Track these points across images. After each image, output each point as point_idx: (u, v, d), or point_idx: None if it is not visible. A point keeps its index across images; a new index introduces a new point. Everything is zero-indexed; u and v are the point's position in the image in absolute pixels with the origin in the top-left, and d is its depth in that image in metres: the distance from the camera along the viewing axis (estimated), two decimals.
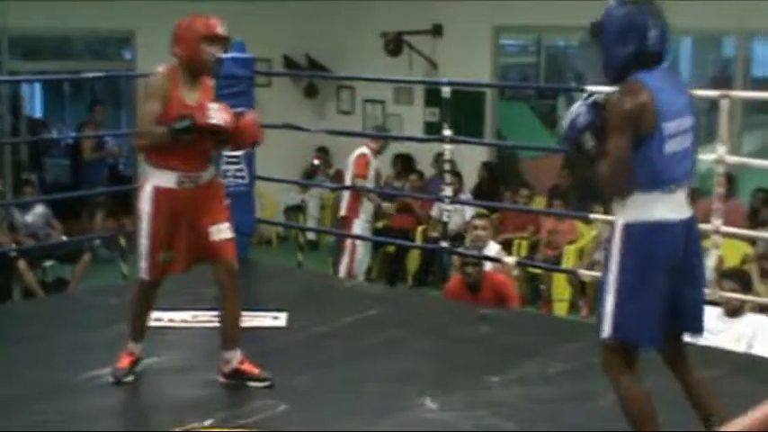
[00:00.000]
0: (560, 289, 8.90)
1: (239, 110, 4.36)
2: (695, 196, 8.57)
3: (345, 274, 8.23)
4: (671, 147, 3.24)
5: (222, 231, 4.25)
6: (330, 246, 10.62)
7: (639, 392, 3.32)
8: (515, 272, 7.30)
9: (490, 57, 10.73)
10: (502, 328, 5.46)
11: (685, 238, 3.31)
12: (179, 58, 4.13)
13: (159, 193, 4.17)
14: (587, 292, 8.93)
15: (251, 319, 5.37)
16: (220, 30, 4.15)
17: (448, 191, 6.26)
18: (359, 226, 8.47)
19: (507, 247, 9.17)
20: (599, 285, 3.39)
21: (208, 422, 4.00)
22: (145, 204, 4.20)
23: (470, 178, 10.36)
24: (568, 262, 8.89)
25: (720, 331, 5.59)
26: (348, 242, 8.33)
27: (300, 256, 9.21)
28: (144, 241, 4.24)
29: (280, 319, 5.36)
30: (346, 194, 8.52)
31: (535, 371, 4.67)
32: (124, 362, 4.40)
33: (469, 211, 9.52)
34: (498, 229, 9.70)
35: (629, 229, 3.25)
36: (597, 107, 3.32)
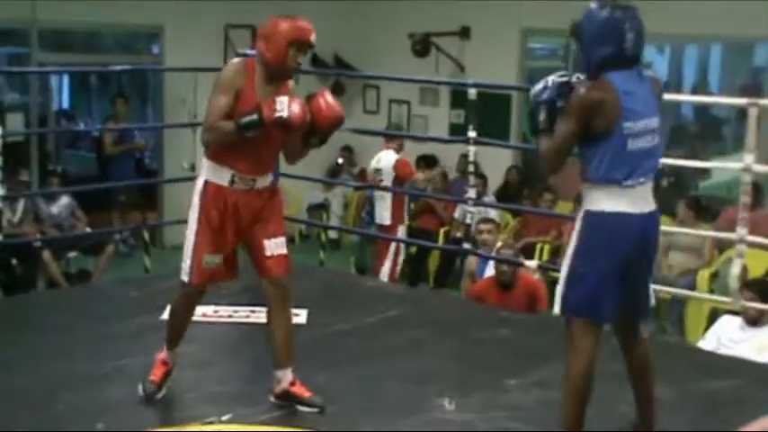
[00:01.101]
0: None
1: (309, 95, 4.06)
2: (719, 205, 8.63)
3: (388, 278, 8.10)
4: (634, 144, 3.41)
5: (279, 247, 4.05)
6: (353, 245, 10.62)
7: (585, 370, 3.50)
8: (537, 275, 7.29)
9: (517, 60, 10.71)
10: (522, 330, 5.45)
11: (643, 231, 3.50)
12: (262, 57, 3.94)
13: (210, 188, 3.99)
14: None
15: None
16: (312, 38, 3.96)
17: (471, 192, 6.25)
18: (402, 231, 8.34)
19: (530, 250, 9.15)
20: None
21: (226, 417, 4.02)
22: (195, 197, 4.03)
23: (494, 181, 10.35)
24: None
25: (742, 340, 5.57)
26: (392, 247, 8.21)
27: (322, 255, 9.21)
28: (190, 240, 4.03)
29: (300, 317, 5.37)
30: (387, 201, 8.19)
31: (554, 374, 4.64)
32: (157, 373, 4.19)
33: (492, 214, 9.51)
34: (521, 233, 9.68)
35: (589, 217, 3.48)
36: (566, 88, 3.50)
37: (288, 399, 4.11)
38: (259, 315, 5.38)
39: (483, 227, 7.62)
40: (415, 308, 5.85)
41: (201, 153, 4.07)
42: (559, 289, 3.55)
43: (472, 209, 6.33)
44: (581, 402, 3.53)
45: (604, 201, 3.45)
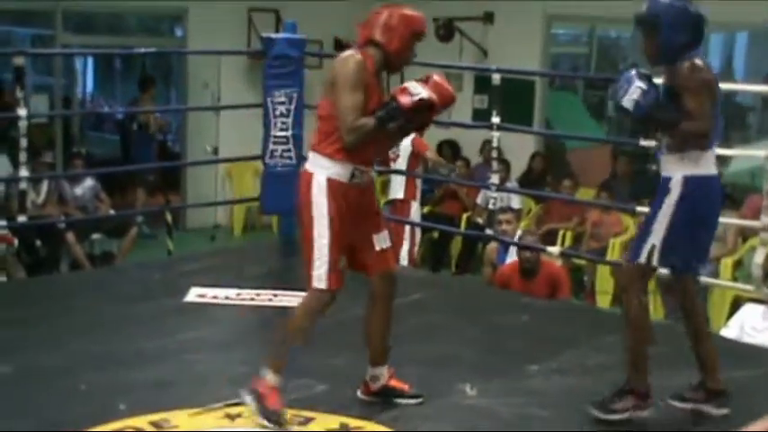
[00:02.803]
0: (604, 281, 8.84)
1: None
2: (743, 193, 8.57)
3: (408, 261, 8.07)
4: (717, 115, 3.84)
5: (386, 240, 3.96)
6: None
7: (644, 310, 3.90)
8: (559, 262, 7.27)
9: (541, 46, 10.66)
10: (543, 317, 5.45)
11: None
12: (383, 48, 3.82)
13: (332, 184, 3.78)
14: None
15: (294, 299, 5.40)
16: (426, 27, 3.97)
17: (495, 178, 6.24)
18: (415, 209, 8.37)
19: (552, 237, 9.13)
20: (643, 225, 3.95)
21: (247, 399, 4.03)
22: (320, 197, 3.77)
23: (517, 167, 10.32)
24: (613, 254, 8.83)
25: (765, 329, 5.55)
26: (408, 227, 8.22)
27: None
28: (321, 241, 3.77)
29: None
30: (400, 177, 8.31)
31: (574, 361, 4.66)
32: (275, 400, 3.82)
33: (515, 200, 9.49)
34: (543, 219, 9.66)
35: (688, 180, 3.78)
36: (653, 83, 3.77)
37: (388, 394, 4.07)
38: (282, 299, 5.42)
39: (502, 217, 7.61)
40: (436, 293, 5.85)
41: (310, 147, 3.93)
42: (654, 240, 3.83)
43: (495, 194, 6.33)
44: (646, 338, 3.88)
45: (705, 164, 3.82)
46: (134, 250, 8.98)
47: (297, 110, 6.48)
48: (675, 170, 3.82)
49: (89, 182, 8.99)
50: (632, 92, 3.75)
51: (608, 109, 11.84)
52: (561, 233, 9.42)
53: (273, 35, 6.88)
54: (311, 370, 4.23)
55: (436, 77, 3.90)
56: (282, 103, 6.46)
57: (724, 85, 4.08)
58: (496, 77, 6.00)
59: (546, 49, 10.76)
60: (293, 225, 7.16)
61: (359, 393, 4.11)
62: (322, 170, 3.80)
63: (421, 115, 3.82)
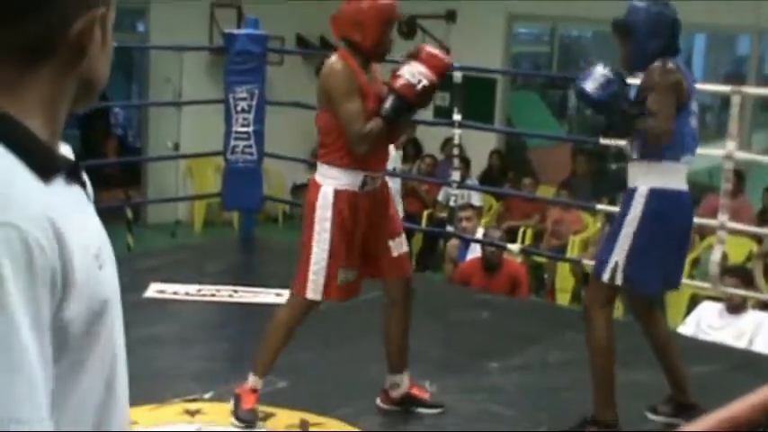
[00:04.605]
0: (564, 279, 8.91)
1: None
2: (700, 192, 8.67)
3: None
4: (692, 123, 3.74)
5: (402, 245, 3.88)
6: None
7: (609, 331, 3.77)
8: (519, 259, 7.32)
9: (503, 44, 10.71)
10: (504, 314, 5.48)
11: (690, 206, 3.86)
12: (358, 45, 3.70)
13: (341, 196, 3.69)
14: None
15: (254, 296, 5.41)
16: (398, 10, 3.80)
17: (455, 176, 6.27)
18: None
19: (512, 234, 9.17)
20: (608, 239, 3.84)
21: (209, 395, 4.03)
22: (323, 210, 3.68)
23: (478, 165, 10.36)
24: (573, 252, 8.89)
25: (722, 327, 5.61)
26: None
27: None
28: (320, 254, 3.70)
29: (283, 297, 5.37)
30: None
31: (535, 358, 4.69)
32: (250, 401, 3.82)
33: (476, 197, 9.53)
34: (503, 217, 9.71)
35: (650, 194, 3.66)
36: (621, 77, 3.71)
37: (409, 402, 4.01)
38: (242, 295, 5.41)
39: (463, 214, 7.65)
40: None
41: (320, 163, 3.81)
42: (616, 258, 3.71)
43: (456, 191, 6.36)
44: (611, 363, 3.77)
45: (670, 177, 3.70)
46: None
47: (258, 106, 6.47)
48: (641, 181, 3.69)
49: None
50: (596, 78, 3.67)
51: (569, 108, 11.93)
52: (522, 231, 9.47)
53: (235, 31, 6.86)
54: (273, 366, 4.22)
55: (428, 49, 3.79)
56: (244, 99, 6.44)
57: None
58: (458, 75, 6.01)
59: (508, 47, 10.81)
60: (254, 221, 7.17)
61: (378, 402, 4.02)
62: (331, 181, 3.72)
63: (426, 98, 3.74)
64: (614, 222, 3.82)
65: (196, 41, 10.07)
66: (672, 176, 3.70)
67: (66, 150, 1.13)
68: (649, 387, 4.13)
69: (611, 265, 3.71)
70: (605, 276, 3.73)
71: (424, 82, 3.62)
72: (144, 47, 10.51)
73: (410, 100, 3.63)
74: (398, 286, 3.88)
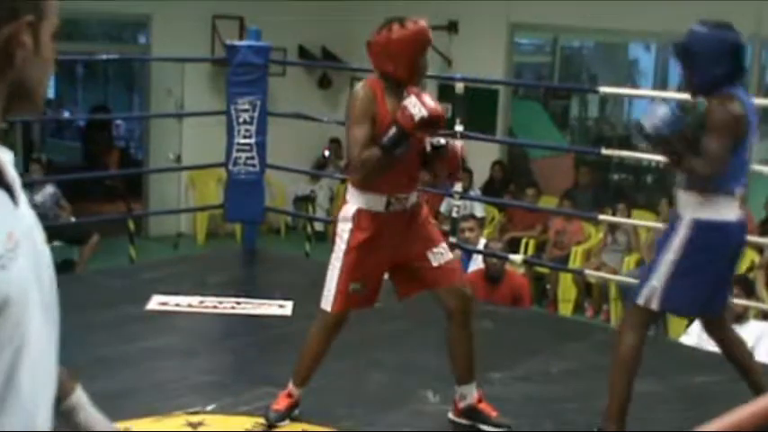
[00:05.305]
0: (566, 289, 8.91)
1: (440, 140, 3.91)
2: None
3: None
4: (746, 155, 3.67)
5: (443, 254, 3.85)
6: None
7: (636, 351, 3.76)
8: (521, 270, 7.32)
9: (505, 55, 10.72)
10: (506, 324, 5.47)
11: (743, 237, 3.80)
12: (391, 75, 3.69)
13: (363, 216, 3.73)
14: (593, 294, 8.93)
15: (256, 307, 5.41)
16: (429, 35, 3.78)
17: (458, 186, 6.27)
18: None
19: (515, 245, 9.17)
20: (650, 264, 3.86)
21: (211, 407, 4.02)
22: (344, 227, 3.76)
23: (480, 175, 10.37)
24: (575, 262, 8.89)
25: None
26: None
27: (308, 246, 9.22)
28: (335, 267, 3.79)
29: (285, 308, 5.39)
30: None
31: (537, 369, 4.68)
32: (282, 403, 3.92)
33: (478, 208, 9.53)
34: (506, 227, 9.71)
35: (698, 224, 3.65)
36: (684, 112, 3.71)
37: (474, 417, 3.97)
38: (244, 306, 5.41)
39: (465, 225, 7.65)
40: (399, 300, 5.84)
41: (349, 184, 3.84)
42: (657, 282, 3.72)
43: (458, 202, 6.36)
44: (628, 381, 3.77)
45: (718, 209, 3.66)
46: (95, 258, 8.93)
47: (260, 117, 6.48)
48: (687, 211, 3.69)
49: (49, 189, 8.93)
50: (657, 113, 3.62)
51: (571, 118, 11.94)
52: (524, 241, 9.47)
53: (237, 42, 6.87)
54: (277, 377, 4.22)
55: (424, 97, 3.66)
56: (246, 110, 6.45)
57: (687, 96, 3.93)
58: (460, 86, 6.03)
59: (509, 58, 10.82)
60: (256, 233, 7.17)
61: (450, 415, 4.01)
62: (355, 200, 3.76)
63: (430, 130, 3.69)
64: (658, 247, 3.80)
65: (198, 53, 10.10)
66: (719, 208, 3.66)
67: (4, 155, 1.13)
68: (651, 397, 4.12)
69: (648, 289, 3.74)
70: (641, 300, 3.76)
71: (424, 114, 3.55)
72: (145, 58, 10.54)
73: (406, 128, 3.58)
74: (449, 296, 3.87)
